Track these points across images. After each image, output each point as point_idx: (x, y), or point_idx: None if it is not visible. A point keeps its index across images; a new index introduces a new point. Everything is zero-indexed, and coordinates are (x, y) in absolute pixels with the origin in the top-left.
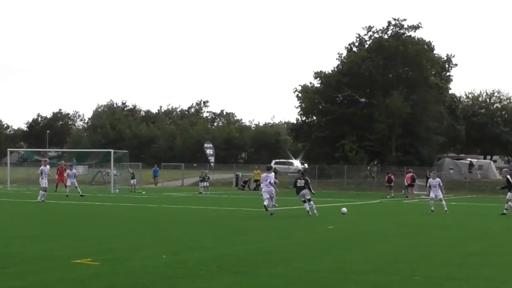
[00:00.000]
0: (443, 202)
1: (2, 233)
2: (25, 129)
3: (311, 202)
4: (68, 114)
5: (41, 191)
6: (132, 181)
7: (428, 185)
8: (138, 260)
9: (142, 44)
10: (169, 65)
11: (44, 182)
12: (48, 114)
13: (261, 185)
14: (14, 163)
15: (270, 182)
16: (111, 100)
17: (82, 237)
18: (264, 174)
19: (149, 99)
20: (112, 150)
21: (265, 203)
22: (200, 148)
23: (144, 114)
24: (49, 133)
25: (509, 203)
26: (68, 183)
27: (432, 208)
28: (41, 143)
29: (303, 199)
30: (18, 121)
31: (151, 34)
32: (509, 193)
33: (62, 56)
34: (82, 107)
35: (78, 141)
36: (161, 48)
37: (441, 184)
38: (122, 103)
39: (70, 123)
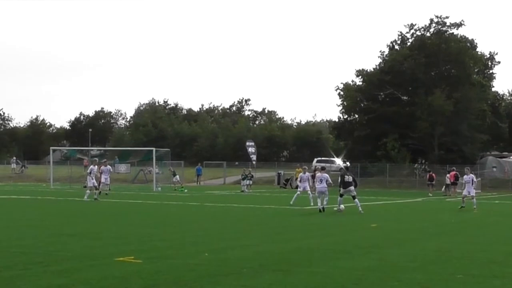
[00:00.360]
0: (474, 200)
1: (45, 231)
2: (68, 127)
3: (356, 199)
4: (110, 112)
5: (88, 190)
6: (174, 179)
7: (462, 181)
8: (180, 258)
9: (184, 42)
10: (211, 63)
11: (92, 182)
12: (91, 113)
13: (316, 184)
14: (57, 161)
15: (327, 181)
16: (153, 98)
17: (124, 235)
18: (319, 174)
19: (191, 98)
20: (154, 149)
21: (318, 204)
22: (242, 147)
23: (185, 113)
24: (91, 132)
25: None
26: (102, 179)
27: (463, 205)
28: (84, 142)
29: (351, 195)
30: (61, 120)
31: (194, 33)
32: None
33: (104, 55)
34: (124, 105)
35: (120, 140)
36: (204, 47)
37: (474, 180)
38: (164, 101)
39: (112, 121)
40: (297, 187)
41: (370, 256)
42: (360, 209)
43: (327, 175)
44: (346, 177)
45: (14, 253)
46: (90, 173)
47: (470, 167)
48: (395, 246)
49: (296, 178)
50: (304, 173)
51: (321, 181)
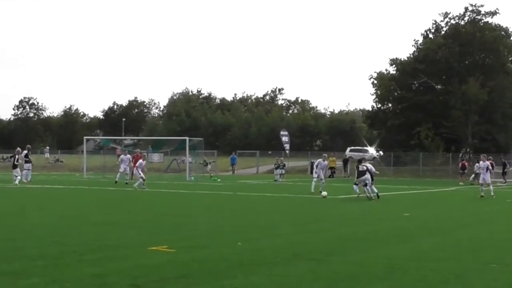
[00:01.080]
0: (491, 187)
1: (78, 220)
2: (101, 117)
3: (367, 187)
4: (144, 102)
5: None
6: (207, 168)
7: (476, 168)
8: (213, 247)
9: (218, 31)
10: (245, 52)
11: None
12: (124, 102)
13: (365, 175)
14: (90, 151)
15: (373, 171)
16: (186, 88)
17: (158, 225)
18: (367, 163)
19: (224, 87)
20: (187, 138)
21: (361, 192)
22: (275, 136)
23: (219, 102)
24: (125, 121)
25: None
26: (121, 169)
27: (482, 194)
28: (117, 131)
29: (363, 184)
30: (95, 109)
31: (228, 22)
32: None
33: (138, 44)
34: (158, 95)
35: (154, 129)
36: (238, 36)
37: (490, 167)
38: (197, 90)
39: (145, 111)
40: (330, 176)
41: (403, 245)
42: (369, 195)
43: (370, 166)
44: (360, 167)
45: (49, 242)
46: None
47: (504, 156)
48: (428, 235)
49: (330, 168)
50: (324, 161)
51: (368, 170)
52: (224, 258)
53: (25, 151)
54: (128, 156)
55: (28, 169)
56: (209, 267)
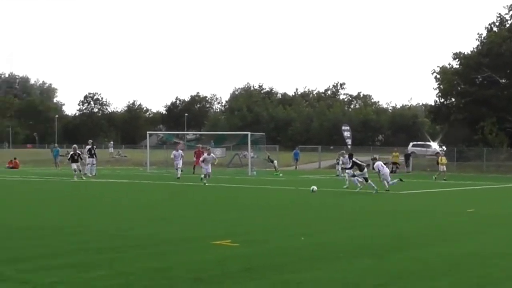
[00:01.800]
0: None
1: (142, 214)
2: (164, 112)
3: (369, 181)
4: (206, 97)
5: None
6: (275, 163)
7: None
8: (276, 241)
9: (280, 27)
10: (306, 47)
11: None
12: (186, 97)
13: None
14: (153, 145)
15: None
16: (248, 83)
17: (221, 219)
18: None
19: (286, 82)
20: (249, 133)
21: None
22: (337, 131)
23: (280, 97)
24: (187, 116)
25: None
26: (179, 165)
27: None
28: (180, 126)
29: (365, 177)
30: (157, 105)
31: (289, 17)
32: None
33: (200, 40)
34: (220, 90)
35: (216, 124)
36: (300, 31)
37: None
38: (259, 85)
39: (207, 106)
40: (392, 171)
41: (467, 241)
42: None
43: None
44: (359, 162)
45: (113, 236)
46: (204, 161)
47: None
48: (492, 232)
49: (393, 163)
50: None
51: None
52: (287, 252)
53: (88, 146)
54: (180, 152)
55: (93, 164)
56: (272, 262)
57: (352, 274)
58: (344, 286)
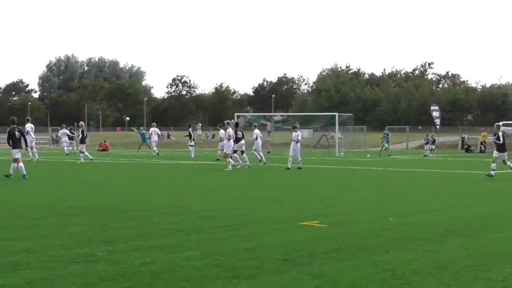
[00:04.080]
0: None
1: (230, 196)
2: (251, 94)
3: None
4: (293, 78)
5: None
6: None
7: None
8: (364, 222)
9: (365, 8)
10: (393, 27)
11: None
12: (274, 79)
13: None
14: (241, 127)
15: None
16: (335, 63)
17: (308, 200)
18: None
19: (373, 62)
20: (336, 114)
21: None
22: (425, 111)
23: (368, 77)
24: (274, 98)
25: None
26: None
27: None
28: (267, 108)
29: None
30: (245, 86)
31: None
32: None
33: (288, 21)
34: (307, 71)
35: (303, 105)
36: (386, 11)
37: None
38: (346, 66)
39: (294, 87)
40: (481, 151)
41: None
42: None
43: None
44: (239, 133)
45: (202, 217)
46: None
47: None
48: None
49: (482, 142)
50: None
51: None
52: (375, 233)
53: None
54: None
55: (191, 146)
56: (360, 243)
57: (441, 255)
58: (434, 267)
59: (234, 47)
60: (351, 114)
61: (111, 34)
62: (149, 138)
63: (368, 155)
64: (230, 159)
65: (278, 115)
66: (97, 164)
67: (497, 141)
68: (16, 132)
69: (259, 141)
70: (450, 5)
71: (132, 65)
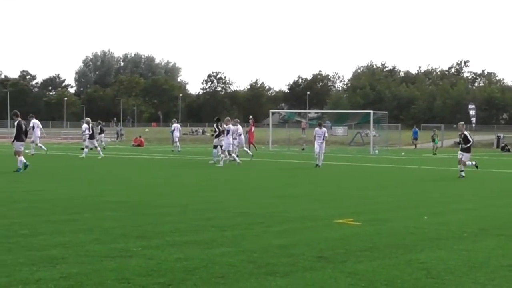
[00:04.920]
0: None
1: (265, 192)
2: (286, 91)
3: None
4: (328, 75)
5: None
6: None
7: None
8: (399, 221)
9: (400, 5)
10: (428, 25)
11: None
12: (308, 76)
13: None
14: (276, 124)
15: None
16: (371, 61)
17: (343, 197)
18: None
19: (409, 60)
20: (371, 111)
21: None
22: (460, 109)
23: (403, 75)
24: (309, 95)
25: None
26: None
27: None
28: (301, 105)
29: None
30: (280, 83)
31: None
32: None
33: (323, 18)
34: (342, 68)
35: (338, 102)
36: (422, 9)
37: None
38: (382, 64)
39: (329, 84)
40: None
41: None
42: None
43: None
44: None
45: (237, 214)
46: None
47: None
48: None
49: None
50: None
51: None
52: (410, 232)
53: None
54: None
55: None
56: (395, 241)
57: (476, 254)
58: (469, 266)
59: (269, 44)
60: (386, 112)
61: (147, 30)
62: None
63: (403, 153)
64: (223, 155)
65: (312, 112)
66: (132, 159)
67: (463, 141)
68: (23, 126)
69: (242, 137)
70: (487, 3)
71: (167, 61)
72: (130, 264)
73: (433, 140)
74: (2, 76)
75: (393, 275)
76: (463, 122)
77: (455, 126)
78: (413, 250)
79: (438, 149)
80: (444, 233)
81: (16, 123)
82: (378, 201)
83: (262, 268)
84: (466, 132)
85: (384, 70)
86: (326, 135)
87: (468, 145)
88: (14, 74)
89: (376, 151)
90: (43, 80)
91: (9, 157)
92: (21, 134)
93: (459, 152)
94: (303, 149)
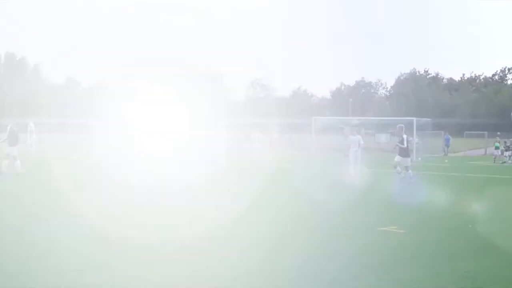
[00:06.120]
0: None
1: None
2: (329, 97)
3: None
4: (371, 82)
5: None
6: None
7: None
8: (444, 229)
9: (443, 12)
10: (471, 31)
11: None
12: (351, 83)
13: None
14: (318, 131)
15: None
16: (414, 68)
17: (385, 205)
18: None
19: (452, 67)
20: (414, 118)
21: None
22: (505, 116)
23: (446, 82)
24: (352, 101)
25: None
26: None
27: None
28: (344, 112)
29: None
30: (323, 90)
31: (454, 2)
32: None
33: (365, 25)
34: (385, 75)
35: (381, 109)
36: (465, 16)
37: None
38: (425, 70)
39: (372, 91)
40: None
41: None
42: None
43: None
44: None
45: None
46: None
47: None
48: None
49: None
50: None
51: None
52: (455, 240)
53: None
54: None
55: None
56: (441, 249)
57: None
58: None
59: (312, 51)
60: (429, 119)
61: (189, 35)
62: None
63: (446, 161)
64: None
65: (355, 119)
66: None
67: (401, 145)
68: (15, 129)
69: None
70: None
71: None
72: None
73: (500, 148)
74: None
75: (438, 283)
76: (402, 125)
77: (498, 133)
78: (459, 258)
79: (499, 157)
80: (489, 242)
81: (10, 126)
82: (421, 209)
83: (307, 276)
84: (404, 136)
85: (427, 77)
86: (362, 142)
87: (403, 147)
88: None
89: (419, 158)
90: None
91: None
92: (15, 138)
93: (397, 156)
94: (346, 155)
